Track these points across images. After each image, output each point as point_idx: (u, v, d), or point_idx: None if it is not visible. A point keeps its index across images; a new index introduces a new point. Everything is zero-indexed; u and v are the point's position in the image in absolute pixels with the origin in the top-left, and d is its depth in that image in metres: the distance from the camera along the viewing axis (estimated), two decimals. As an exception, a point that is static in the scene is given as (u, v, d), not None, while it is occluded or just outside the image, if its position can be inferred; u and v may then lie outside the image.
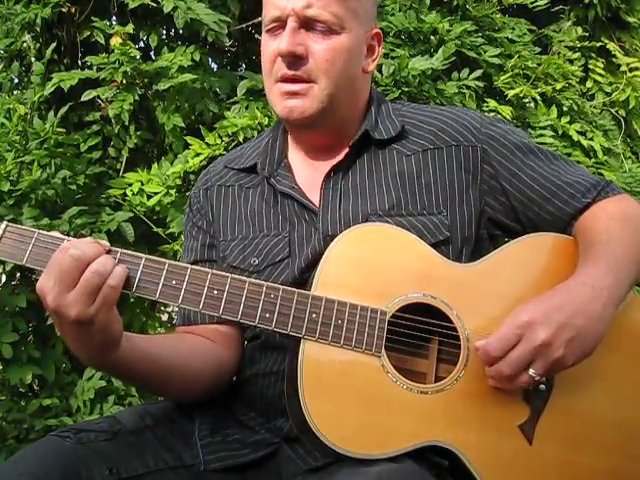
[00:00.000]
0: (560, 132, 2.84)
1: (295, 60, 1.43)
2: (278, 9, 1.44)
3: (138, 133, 2.66)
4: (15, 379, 2.46)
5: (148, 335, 1.44)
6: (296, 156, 1.57)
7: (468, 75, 2.71)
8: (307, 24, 1.43)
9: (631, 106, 3.29)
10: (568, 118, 2.88)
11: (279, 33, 1.45)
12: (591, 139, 2.89)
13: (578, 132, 2.85)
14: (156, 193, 2.51)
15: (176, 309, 2.96)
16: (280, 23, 1.45)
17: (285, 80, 1.44)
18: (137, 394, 2.56)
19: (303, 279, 1.40)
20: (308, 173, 1.54)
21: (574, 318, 1.25)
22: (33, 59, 2.69)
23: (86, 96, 2.54)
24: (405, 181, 1.49)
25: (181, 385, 1.43)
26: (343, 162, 1.51)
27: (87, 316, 1.19)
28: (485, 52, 2.78)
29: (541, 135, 2.81)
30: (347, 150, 1.51)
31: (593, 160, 2.84)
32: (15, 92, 2.95)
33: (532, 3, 3.00)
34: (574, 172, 1.52)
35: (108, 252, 1.25)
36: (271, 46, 1.46)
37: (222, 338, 1.52)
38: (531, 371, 1.25)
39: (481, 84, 2.71)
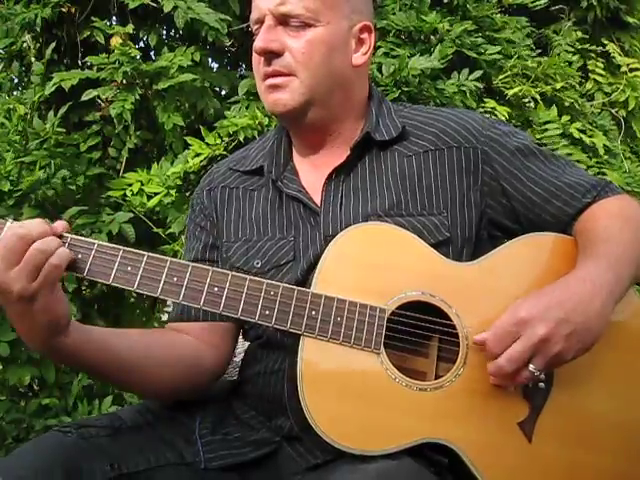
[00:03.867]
0: (561, 131, 2.83)
1: (271, 56, 1.45)
2: (257, 10, 1.48)
3: (138, 133, 2.66)
4: (14, 379, 2.46)
5: (111, 329, 1.45)
6: (300, 158, 1.57)
7: (468, 76, 2.71)
8: (283, 21, 1.45)
9: (630, 107, 3.29)
10: (569, 117, 2.88)
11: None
12: (591, 137, 2.89)
13: (579, 130, 2.85)
14: (156, 193, 2.51)
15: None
16: (260, 24, 1.48)
17: (267, 76, 1.47)
18: (136, 395, 2.56)
19: (305, 281, 1.40)
20: (311, 175, 1.54)
21: (573, 314, 1.25)
22: (33, 59, 2.69)
23: (86, 95, 2.54)
24: (405, 182, 1.49)
25: (142, 381, 1.43)
26: (345, 164, 1.51)
27: (29, 292, 1.22)
28: (485, 51, 2.77)
29: (545, 130, 2.81)
30: (349, 152, 1.51)
31: (594, 160, 2.84)
32: (15, 92, 2.95)
33: (532, 3, 3.00)
34: (574, 173, 1.52)
35: (60, 237, 1.27)
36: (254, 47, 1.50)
37: (211, 336, 1.52)
38: (531, 367, 1.25)
39: (480, 85, 2.71)
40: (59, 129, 2.54)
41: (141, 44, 2.88)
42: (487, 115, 2.60)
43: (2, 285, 1.22)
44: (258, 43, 1.45)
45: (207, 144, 2.49)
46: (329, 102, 1.49)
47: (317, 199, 1.51)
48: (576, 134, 2.81)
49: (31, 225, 1.25)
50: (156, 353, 1.44)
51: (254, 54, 1.49)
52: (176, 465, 1.37)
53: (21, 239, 1.22)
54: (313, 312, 1.28)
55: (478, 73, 2.70)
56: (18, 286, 1.21)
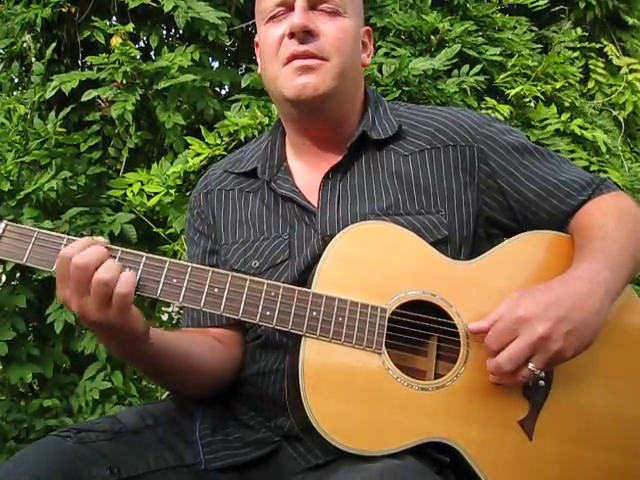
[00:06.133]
0: (562, 129, 2.83)
1: (306, 36, 1.43)
2: None
3: (138, 133, 2.66)
4: (15, 378, 2.46)
5: (166, 331, 1.47)
6: (295, 159, 1.58)
7: (468, 72, 2.70)
8: (313, 4, 1.45)
9: (628, 111, 3.28)
10: (569, 114, 2.87)
11: (284, 18, 1.46)
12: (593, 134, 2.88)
13: (580, 127, 2.84)
14: (156, 193, 2.50)
15: (176, 309, 2.98)
16: (285, 8, 1.46)
17: (296, 57, 1.43)
18: (137, 394, 2.56)
19: (303, 280, 1.40)
20: (307, 176, 1.55)
21: (572, 312, 1.26)
22: (33, 59, 2.68)
23: (86, 96, 2.53)
24: (403, 181, 1.49)
25: (197, 379, 1.46)
26: (341, 163, 1.51)
27: (106, 320, 1.24)
28: (486, 51, 2.77)
29: (545, 127, 2.80)
30: (345, 152, 1.51)
31: (596, 158, 2.83)
32: (15, 92, 2.94)
33: (532, 3, 3.00)
34: (570, 170, 1.53)
35: (107, 250, 1.26)
36: (275, 33, 1.47)
37: (227, 339, 1.54)
38: (530, 365, 1.25)
39: (481, 78, 2.70)
40: (59, 129, 2.54)
41: (141, 44, 2.87)
42: (487, 113, 2.60)
43: (84, 313, 1.25)
44: (297, 20, 1.42)
45: (207, 144, 2.48)
46: (345, 95, 1.50)
47: (313, 199, 1.51)
48: (577, 131, 2.80)
49: (87, 252, 1.24)
50: (208, 351, 1.48)
51: (273, 39, 1.47)
52: (176, 467, 1.36)
53: (83, 270, 1.22)
54: (314, 312, 1.28)
55: (478, 68, 2.69)
56: (96, 315, 1.24)
